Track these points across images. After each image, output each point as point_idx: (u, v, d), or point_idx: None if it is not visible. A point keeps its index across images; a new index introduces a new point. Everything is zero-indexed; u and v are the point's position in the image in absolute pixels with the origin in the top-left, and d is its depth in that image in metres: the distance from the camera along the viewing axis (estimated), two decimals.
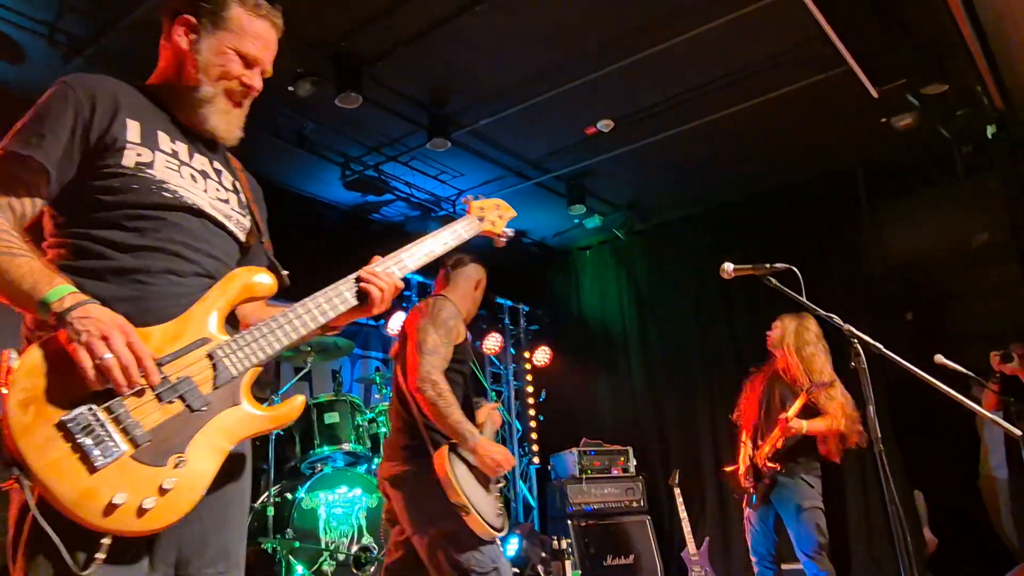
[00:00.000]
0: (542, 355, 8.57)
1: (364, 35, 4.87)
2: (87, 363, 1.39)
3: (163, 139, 1.74)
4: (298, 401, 1.71)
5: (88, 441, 1.39)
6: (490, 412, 3.69)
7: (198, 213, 1.74)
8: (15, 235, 1.52)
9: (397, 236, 7.74)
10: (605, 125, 6.04)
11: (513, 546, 5.88)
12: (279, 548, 4.16)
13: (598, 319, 8.50)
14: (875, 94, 5.41)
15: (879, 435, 2.35)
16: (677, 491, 6.17)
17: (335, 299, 1.82)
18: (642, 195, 7.59)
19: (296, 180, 6.77)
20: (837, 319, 2.60)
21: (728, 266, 2.84)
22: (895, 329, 6.14)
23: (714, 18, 4.80)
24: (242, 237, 1.86)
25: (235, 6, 1.80)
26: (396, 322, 7.24)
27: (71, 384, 1.41)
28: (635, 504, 6.81)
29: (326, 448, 4.88)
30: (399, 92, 5.57)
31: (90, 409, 1.41)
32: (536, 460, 8.28)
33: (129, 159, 1.65)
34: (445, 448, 3.06)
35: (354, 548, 4.61)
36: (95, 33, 4.67)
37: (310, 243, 6.59)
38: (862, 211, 6.79)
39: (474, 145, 6.36)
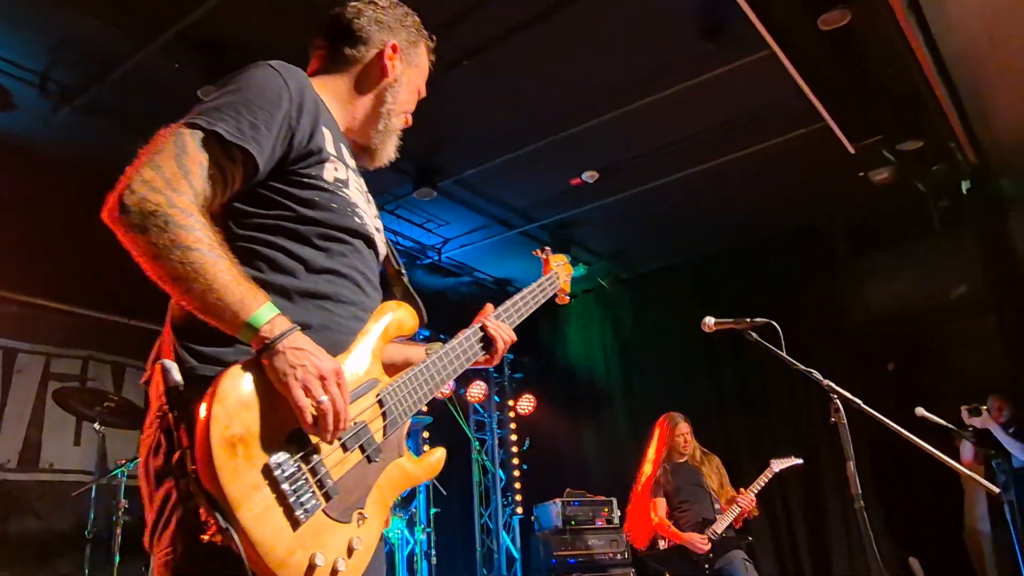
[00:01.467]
0: (526, 403, 8.54)
1: None
2: (305, 403, 1.23)
3: (345, 152, 1.60)
4: (440, 452, 1.61)
5: (291, 491, 1.21)
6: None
7: (370, 243, 1.61)
8: (212, 230, 1.29)
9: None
10: (590, 176, 6.13)
11: None
12: None
13: (583, 368, 8.50)
14: (852, 150, 5.54)
15: (859, 491, 2.35)
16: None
17: (468, 349, 1.74)
18: (626, 245, 7.67)
19: None
20: (816, 374, 2.62)
21: (710, 320, 2.88)
22: (877, 381, 6.19)
23: (697, 75, 4.94)
24: (381, 259, 1.72)
25: (423, 44, 1.81)
26: None
27: (273, 421, 1.24)
28: (619, 556, 6.71)
29: None
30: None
31: (291, 453, 1.24)
32: (519, 510, 8.19)
33: (329, 173, 1.51)
34: None
35: None
36: (85, 83, 4.72)
37: None
38: (841, 264, 6.89)
39: (460, 194, 6.43)
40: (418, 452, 5.26)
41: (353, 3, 1.75)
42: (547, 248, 2.29)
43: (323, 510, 1.26)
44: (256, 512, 1.17)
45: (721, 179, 6.17)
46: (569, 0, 4.28)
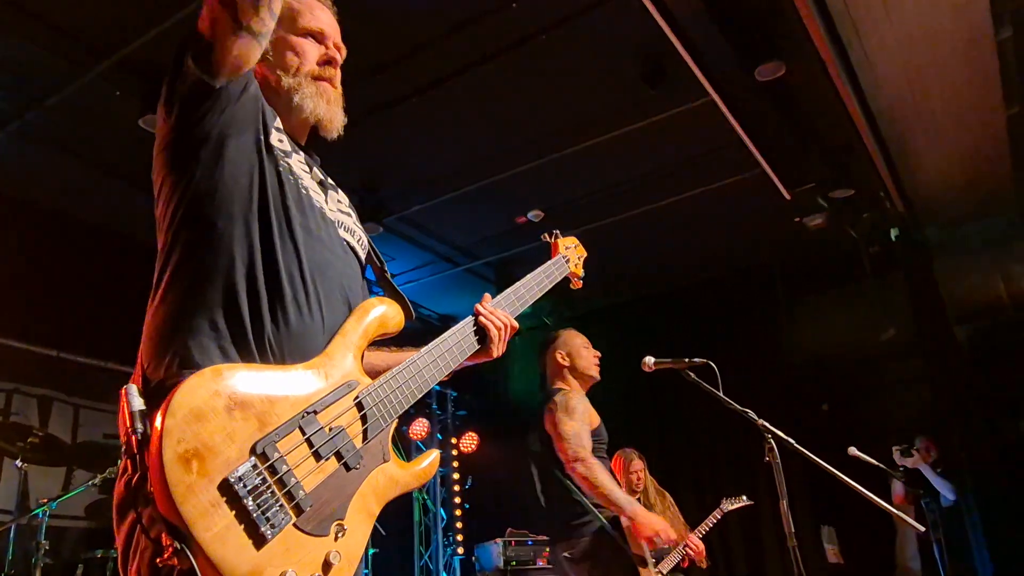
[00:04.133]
0: (469, 441, 8.47)
1: None
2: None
3: (291, 144, 1.58)
4: (434, 455, 1.52)
5: (255, 507, 1.15)
6: None
7: (331, 224, 1.57)
8: None
9: None
10: (535, 215, 6.20)
11: None
12: None
13: (526, 406, 8.48)
14: (788, 196, 5.73)
15: (792, 530, 2.39)
16: None
17: (462, 341, 1.66)
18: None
19: None
20: (752, 414, 2.68)
21: (649, 359, 2.92)
22: (811, 421, 6.33)
23: (639, 119, 5.08)
24: (361, 255, 1.67)
25: None
26: None
27: (236, 433, 1.17)
28: None
29: None
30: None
31: (254, 466, 1.17)
32: (461, 551, 8.07)
33: (274, 139, 1.49)
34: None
35: None
36: (19, 109, 4.60)
37: None
38: (777, 306, 7.08)
39: (405, 230, 6.43)
40: None
41: None
42: (556, 232, 2.22)
43: (294, 524, 1.19)
44: (215, 531, 1.10)
45: (662, 221, 6.31)
46: (517, 43, 4.37)
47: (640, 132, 5.17)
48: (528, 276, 1.94)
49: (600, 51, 4.50)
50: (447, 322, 8.27)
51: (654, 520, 3.19)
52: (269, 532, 1.15)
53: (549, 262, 2.06)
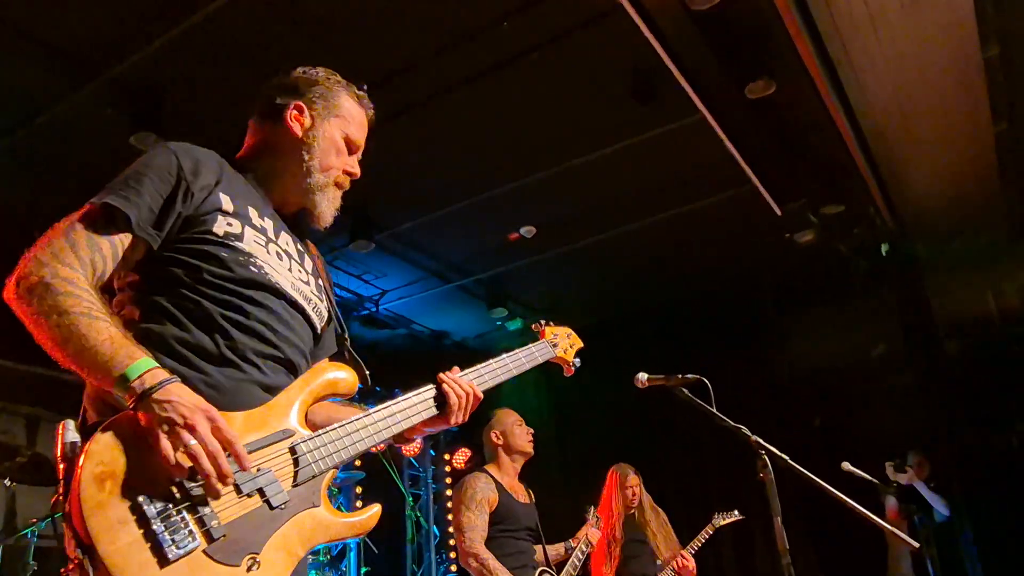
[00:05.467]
0: (462, 457, 8.43)
1: None
2: (169, 451, 1.27)
3: (253, 214, 1.67)
4: (375, 509, 1.58)
5: (162, 529, 1.23)
6: (585, 534, 4.13)
7: (280, 295, 1.64)
8: (95, 295, 1.40)
9: None
10: (527, 231, 6.21)
11: None
12: None
13: None
14: (779, 212, 5.76)
15: (787, 547, 2.38)
16: None
17: (418, 405, 1.72)
18: (562, 299, 7.76)
19: None
20: (745, 430, 2.66)
21: (642, 376, 2.91)
22: (803, 437, 6.33)
23: (631, 136, 5.10)
24: (318, 325, 1.77)
25: (344, 94, 1.86)
26: None
27: (151, 466, 1.27)
28: None
29: None
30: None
31: (168, 495, 1.27)
32: (454, 568, 8.00)
33: (220, 227, 1.58)
34: None
35: None
36: (11, 127, 4.58)
37: None
38: (770, 322, 7.10)
39: (397, 247, 6.43)
40: (350, 507, 5.21)
41: (273, 80, 1.87)
42: (546, 321, 2.31)
43: (203, 551, 1.27)
44: (119, 546, 1.19)
45: (654, 237, 6.33)
46: (508, 60, 4.39)
47: (631, 149, 5.20)
48: (506, 355, 1.98)
49: (591, 69, 4.53)
50: (439, 338, 8.27)
51: None
52: (172, 553, 1.23)
53: (532, 344, 2.12)
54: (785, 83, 4.42)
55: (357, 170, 1.87)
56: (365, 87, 1.93)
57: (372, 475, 6.74)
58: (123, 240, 1.49)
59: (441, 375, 1.80)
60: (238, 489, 1.35)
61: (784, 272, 6.96)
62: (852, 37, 4.26)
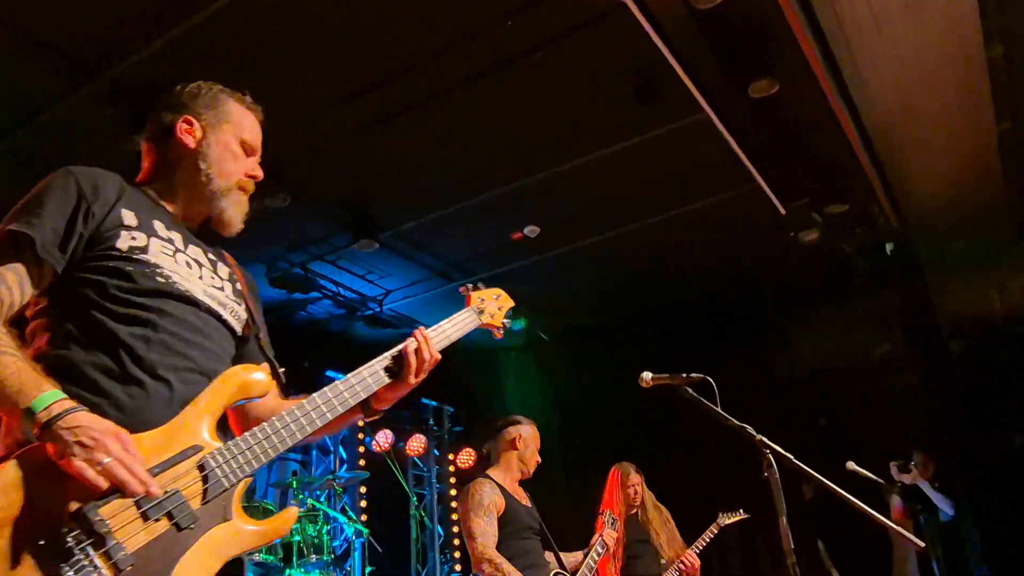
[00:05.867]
0: (466, 457, 8.43)
1: (292, 137, 4.93)
2: (86, 469, 1.27)
3: (158, 226, 1.69)
4: (291, 513, 1.59)
5: (66, 567, 1.24)
6: (599, 535, 4.08)
7: (192, 302, 1.65)
8: (2, 330, 1.42)
9: (320, 333, 7.64)
10: (531, 231, 6.21)
11: None
12: None
13: None
14: (782, 211, 5.75)
15: (792, 547, 2.38)
16: None
17: (367, 379, 1.76)
18: (566, 299, 7.75)
19: None
20: (750, 429, 2.66)
21: (647, 375, 2.89)
22: (806, 436, 6.32)
23: (633, 136, 5.10)
24: (238, 328, 1.79)
25: (230, 101, 1.89)
26: None
27: (49, 503, 1.27)
28: None
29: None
30: (327, 193, 5.63)
31: (70, 531, 1.26)
32: (458, 568, 8.01)
33: (124, 242, 1.59)
34: None
35: None
36: (11, 127, 4.60)
37: None
38: (772, 322, 7.09)
39: (400, 246, 6.43)
40: (354, 506, 5.19)
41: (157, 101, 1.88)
42: (476, 284, 2.25)
43: None
44: None
45: (658, 236, 6.33)
46: (509, 60, 4.39)
47: (634, 148, 5.20)
48: (433, 328, 2.00)
49: (593, 68, 4.53)
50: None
51: None
52: None
53: (458, 313, 2.10)
54: (788, 82, 4.42)
55: (259, 172, 1.88)
56: (247, 93, 1.96)
57: (376, 475, 6.76)
58: (28, 267, 1.50)
59: (407, 342, 1.84)
60: (144, 515, 1.34)
61: (786, 272, 6.95)
62: (855, 36, 4.25)
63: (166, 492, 1.38)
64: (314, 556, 4.94)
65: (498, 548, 3.59)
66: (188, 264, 1.70)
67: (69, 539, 1.25)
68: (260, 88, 4.63)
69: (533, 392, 8.42)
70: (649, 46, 4.08)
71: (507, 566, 3.47)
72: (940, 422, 6.02)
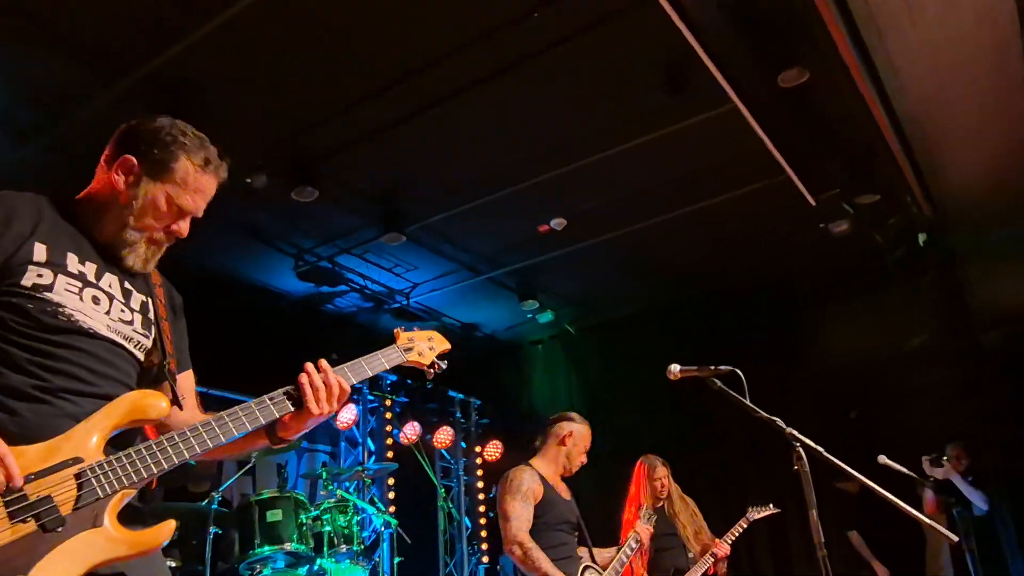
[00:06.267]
0: (493, 449, 8.46)
1: (320, 131, 4.98)
2: None
3: (72, 260, 1.73)
4: (168, 526, 1.64)
5: None
6: (633, 529, 4.14)
7: (95, 336, 1.71)
8: None
9: (348, 327, 7.70)
10: (558, 223, 6.20)
11: None
12: None
13: (549, 413, 8.45)
14: (812, 202, 5.68)
15: (822, 540, 2.36)
16: None
17: (256, 408, 1.77)
18: (593, 292, 7.73)
19: (249, 270, 6.75)
20: (780, 422, 2.65)
21: (675, 367, 2.89)
22: (837, 430, 6.25)
23: (661, 127, 5.06)
24: (141, 357, 1.84)
25: (183, 159, 1.82)
26: (346, 416, 7.15)
27: None
28: None
29: (267, 548, 4.67)
30: (354, 187, 5.67)
31: None
32: (485, 559, 8.05)
33: (28, 279, 1.64)
34: None
35: None
36: (46, 122, 4.68)
37: (261, 332, 6.52)
38: (803, 313, 7.01)
39: (427, 239, 6.45)
40: (382, 497, 5.23)
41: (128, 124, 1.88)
42: (412, 327, 2.29)
43: None
44: None
45: (686, 229, 6.29)
46: (537, 52, 4.38)
47: (662, 140, 5.16)
48: (362, 358, 2.00)
49: (622, 59, 4.50)
50: (469, 331, 8.30)
51: None
52: None
53: (386, 348, 2.12)
54: (818, 71, 4.35)
55: (183, 230, 1.86)
56: (218, 152, 1.91)
57: (404, 467, 6.81)
58: None
59: (302, 375, 1.83)
60: (11, 515, 1.44)
61: (817, 263, 6.87)
62: (887, 22, 4.18)
63: (37, 497, 1.48)
64: (344, 546, 5.00)
65: (532, 536, 3.63)
66: (95, 299, 1.74)
67: None
68: (289, 83, 4.70)
69: (560, 385, 8.42)
70: (677, 36, 4.04)
71: (536, 551, 3.52)
72: (976, 414, 5.92)
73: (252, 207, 5.79)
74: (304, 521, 4.90)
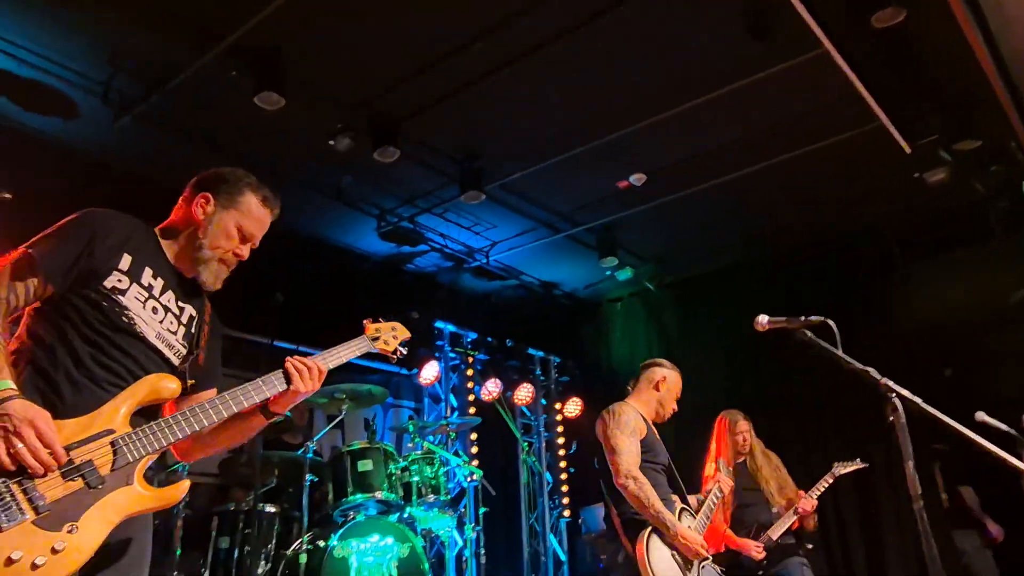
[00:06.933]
0: (573, 407, 8.53)
1: (400, 92, 5.03)
2: (2, 452, 1.72)
3: (147, 273, 2.15)
4: (184, 486, 2.02)
5: None
6: (716, 480, 4.16)
7: (142, 340, 2.10)
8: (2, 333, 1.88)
9: (428, 286, 7.84)
10: (638, 179, 6.11)
11: None
12: None
13: (628, 371, 8.43)
14: (908, 149, 5.43)
15: (919, 491, 2.31)
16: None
17: (262, 385, 2.16)
18: (673, 248, 7.62)
19: (332, 232, 6.92)
20: (874, 372, 2.59)
21: (763, 318, 2.84)
22: (930, 387, 6.02)
23: (746, 75, 4.90)
24: (176, 362, 2.20)
25: (249, 193, 2.30)
26: (429, 373, 7.32)
27: None
28: None
29: (359, 496, 4.87)
30: (434, 146, 5.71)
31: (3, 482, 1.73)
32: (567, 513, 8.18)
33: (110, 282, 2.05)
34: (645, 534, 3.44)
35: None
36: (145, 93, 4.87)
37: (344, 293, 6.71)
38: (895, 267, 6.75)
39: (506, 198, 6.47)
40: (466, 450, 5.40)
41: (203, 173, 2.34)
42: (378, 319, 2.59)
43: (33, 521, 1.73)
44: None
45: (771, 181, 6.11)
46: (615, 2, 4.30)
47: (747, 89, 4.99)
48: (336, 347, 2.39)
49: (703, 5, 4.37)
50: (548, 289, 8.33)
51: (695, 538, 3.54)
52: (5, 524, 1.69)
53: (354, 339, 2.47)
54: (916, 9, 4.13)
55: (245, 254, 2.31)
56: (270, 194, 2.35)
57: (486, 422, 6.94)
58: (35, 283, 1.97)
59: (287, 360, 2.23)
60: (64, 475, 1.79)
61: (912, 215, 6.58)
62: None
63: (81, 461, 1.83)
64: (431, 496, 5.16)
65: None
66: (154, 310, 2.15)
67: (1, 486, 1.72)
68: (371, 43, 4.76)
69: (640, 342, 8.38)
70: None
71: (649, 488, 3.53)
72: None
73: (335, 170, 5.92)
74: (393, 471, 5.07)
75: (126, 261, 2.09)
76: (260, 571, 4.54)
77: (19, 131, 5.11)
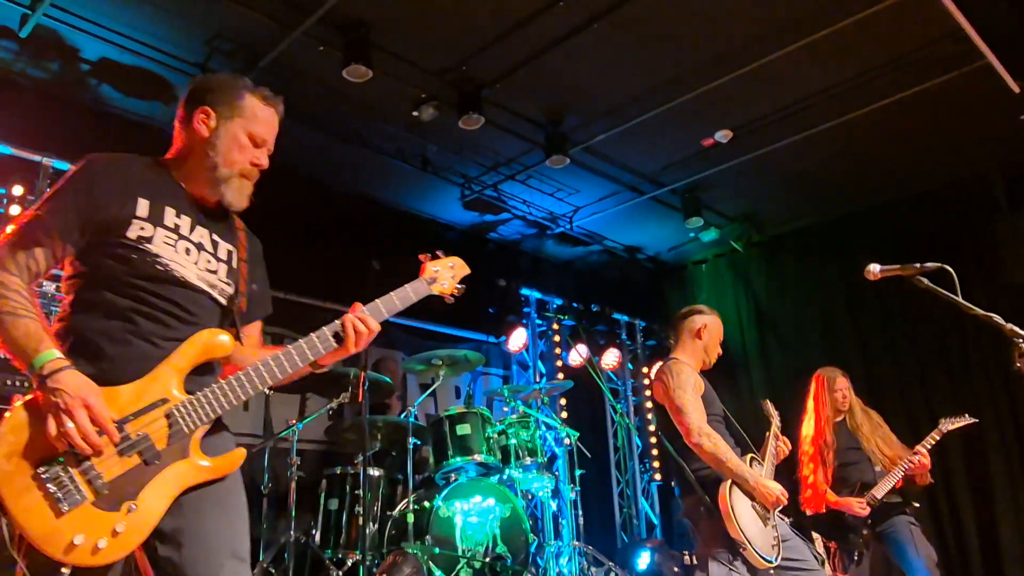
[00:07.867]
0: None
1: (483, 59, 5.03)
2: (53, 430, 1.68)
3: (169, 214, 2.01)
4: (239, 453, 1.94)
5: (56, 490, 1.67)
6: (773, 441, 4.00)
7: (185, 285, 1.98)
8: (24, 296, 1.80)
9: (512, 254, 7.88)
10: (723, 136, 5.97)
11: (645, 560, 5.85)
12: (419, 554, 4.30)
13: None
14: (1016, 89, 5.14)
15: None
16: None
17: (317, 342, 2.06)
18: (760, 206, 7.44)
19: (417, 202, 7.01)
20: (997, 318, 2.51)
21: (874, 267, 2.77)
22: None
23: (837, 20, 4.70)
24: (224, 302, 2.10)
25: (248, 95, 2.11)
26: (516, 340, 7.40)
27: (47, 439, 1.70)
28: None
29: (459, 459, 5.01)
30: (517, 112, 5.71)
31: (60, 463, 1.70)
32: (658, 476, 8.18)
33: (133, 232, 1.92)
34: (727, 487, 3.40)
35: (489, 558, 4.70)
36: (240, 72, 5.00)
37: None
38: (1003, 217, 6.42)
39: (589, 162, 6.42)
40: (557, 413, 5.45)
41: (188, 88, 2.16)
42: (437, 254, 2.44)
43: (92, 503, 1.70)
44: (23, 505, 1.65)
45: (865, 132, 5.87)
46: None
47: (838, 35, 4.78)
48: (391, 293, 2.24)
49: None
50: (632, 253, 8.27)
51: (775, 486, 3.47)
52: (65, 507, 1.66)
53: (409, 284, 2.32)
54: None
55: (264, 162, 2.13)
56: (268, 91, 2.16)
57: (578, 386, 6.98)
58: (53, 245, 1.87)
59: (345, 316, 2.11)
60: (120, 452, 1.75)
61: (1020, 160, 6.24)
62: None
63: (137, 436, 1.78)
64: (528, 458, 5.25)
65: None
66: (187, 251, 2.01)
67: (59, 468, 1.69)
68: (453, 11, 4.76)
69: (728, 304, 8.24)
70: None
71: (723, 443, 3.49)
72: None
73: (420, 140, 5.99)
74: (490, 435, 5.17)
75: (143, 207, 1.95)
76: (368, 531, 4.72)
77: (123, 116, 5.36)
